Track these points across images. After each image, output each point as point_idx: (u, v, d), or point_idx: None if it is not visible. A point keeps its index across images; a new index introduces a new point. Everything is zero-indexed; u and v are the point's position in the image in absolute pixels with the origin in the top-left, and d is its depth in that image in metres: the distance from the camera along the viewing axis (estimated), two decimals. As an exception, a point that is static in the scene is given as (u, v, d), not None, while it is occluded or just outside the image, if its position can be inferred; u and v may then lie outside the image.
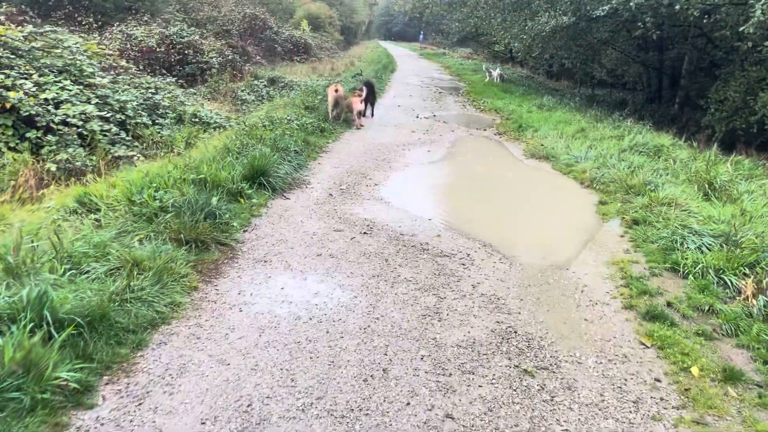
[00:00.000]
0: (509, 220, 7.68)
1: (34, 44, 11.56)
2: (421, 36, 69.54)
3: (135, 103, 12.00)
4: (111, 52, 19.13)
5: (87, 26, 23.00)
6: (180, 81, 20.03)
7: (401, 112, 16.46)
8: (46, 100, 9.71)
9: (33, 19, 22.89)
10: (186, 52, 20.96)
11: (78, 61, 11.67)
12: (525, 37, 20.45)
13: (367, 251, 6.12)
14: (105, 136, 10.27)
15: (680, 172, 9.38)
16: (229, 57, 22.23)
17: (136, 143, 11.33)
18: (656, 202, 7.59)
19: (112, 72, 13.82)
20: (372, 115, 15.62)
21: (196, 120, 13.38)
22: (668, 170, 9.54)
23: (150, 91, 13.46)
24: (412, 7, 24.13)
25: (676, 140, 12.24)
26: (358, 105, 14.18)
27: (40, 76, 10.40)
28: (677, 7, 14.17)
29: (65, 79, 11.15)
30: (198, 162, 7.72)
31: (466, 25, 25.56)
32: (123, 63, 14.92)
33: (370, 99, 15.37)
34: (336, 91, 14.00)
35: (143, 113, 12.21)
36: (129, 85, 13.44)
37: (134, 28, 21.82)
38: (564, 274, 5.81)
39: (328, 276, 5.45)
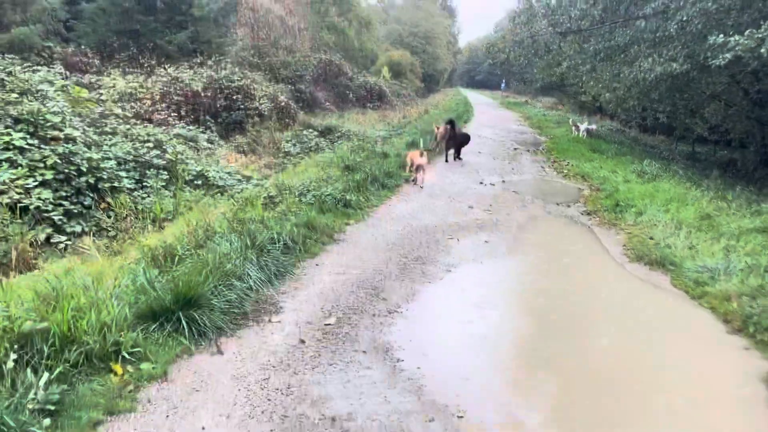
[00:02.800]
0: (616, 416, 3.99)
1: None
2: (503, 84, 66.03)
3: (113, 163, 9.12)
4: (146, 96, 16.87)
5: (149, 68, 21.20)
6: (220, 129, 17.50)
7: (463, 175, 12.95)
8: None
9: (90, 60, 21.35)
10: (235, 97, 18.45)
11: (45, 108, 8.96)
12: (618, 86, 16.55)
13: None
14: (41, 211, 7.37)
15: None
16: (282, 103, 19.55)
17: (107, 215, 8.44)
18: None
19: (106, 120, 11.13)
20: (456, 157, 14.89)
21: (199, 183, 10.41)
22: None
23: (147, 144, 10.64)
24: (487, 51, 20.64)
25: None
26: (418, 159, 11.80)
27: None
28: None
29: (21, 130, 8.43)
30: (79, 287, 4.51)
31: (550, 75, 21.87)
32: (117, 110, 12.19)
33: (452, 142, 14.48)
34: (421, 155, 11.97)
35: (128, 173, 9.34)
36: (125, 137, 10.69)
37: (183, 71, 19.61)
38: None
39: None
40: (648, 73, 15.22)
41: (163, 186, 9.85)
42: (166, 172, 10.10)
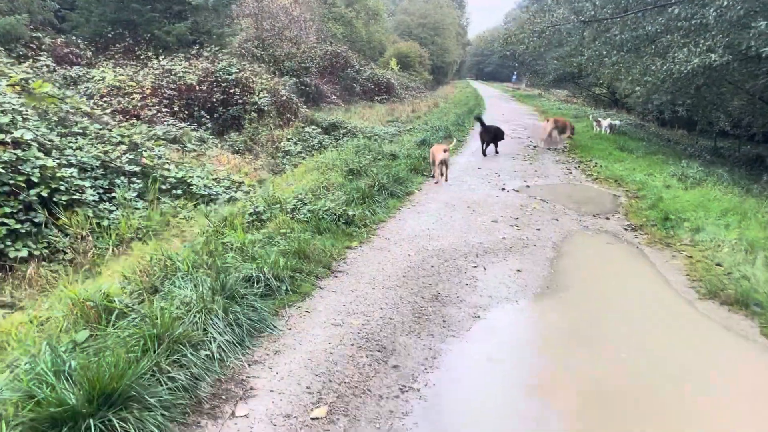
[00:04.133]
0: None
1: None
2: (514, 76, 64.06)
3: (74, 171, 7.61)
4: (136, 90, 15.36)
5: (145, 60, 19.71)
6: (216, 126, 15.98)
7: (481, 180, 11.36)
8: None
9: (82, 51, 19.82)
10: (232, 91, 16.89)
11: (-9, 107, 7.45)
12: (649, 79, 14.85)
13: None
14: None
15: None
16: (283, 98, 17.96)
17: (64, 234, 6.97)
18: None
19: (75, 119, 9.59)
20: (495, 151, 14.75)
21: (180, 192, 8.90)
22: None
23: (121, 147, 9.12)
24: (504, 43, 18.94)
25: None
26: (440, 154, 10.78)
27: None
28: None
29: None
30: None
31: (568, 65, 20.14)
32: (85, 108, 10.64)
33: (486, 136, 14.37)
34: (444, 151, 10.88)
35: (94, 182, 7.84)
36: (96, 138, 9.17)
37: (178, 63, 18.07)
38: None
39: None
40: (684, 65, 13.54)
41: (136, 196, 8.34)
42: (140, 180, 8.59)
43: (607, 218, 8.89)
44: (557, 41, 17.50)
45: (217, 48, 19.65)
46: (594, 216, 8.97)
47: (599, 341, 4.83)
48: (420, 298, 5.44)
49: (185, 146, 12.01)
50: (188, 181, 9.23)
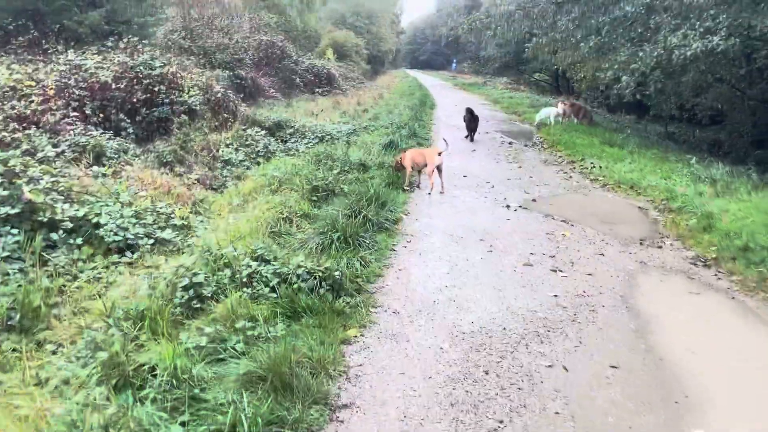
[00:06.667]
0: None
1: None
2: (454, 64, 62.03)
3: None
4: (35, 92, 12.12)
5: (53, 55, 16.17)
6: (140, 131, 12.92)
7: (473, 193, 8.95)
8: None
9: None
10: (157, 89, 13.76)
11: None
12: (637, 66, 12.80)
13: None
14: None
15: None
16: (218, 95, 14.95)
17: None
18: None
19: None
20: (471, 138, 14.40)
21: (81, 240, 6.06)
22: None
23: (-12, 180, 6.16)
24: (469, 29, 16.50)
25: None
26: (436, 158, 8.74)
27: None
28: None
29: None
30: None
31: (541, 50, 17.87)
32: None
33: (472, 124, 14.44)
34: (439, 154, 8.86)
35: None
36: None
37: (89, 57, 14.75)
38: None
39: None
40: (682, 50, 11.55)
41: (11, 253, 5.46)
42: (17, 229, 5.68)
43: (659, 246, 6.67)
44: (528, 26, 15.23)
45: (135, 39, 16.35)
46: (641, 244, 6.73)
47: None
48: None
49: (99, 162, 9.06)
50: (92, 220, 6.36)
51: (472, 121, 14.41)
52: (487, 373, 3.82)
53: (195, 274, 4.55)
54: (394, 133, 13.34)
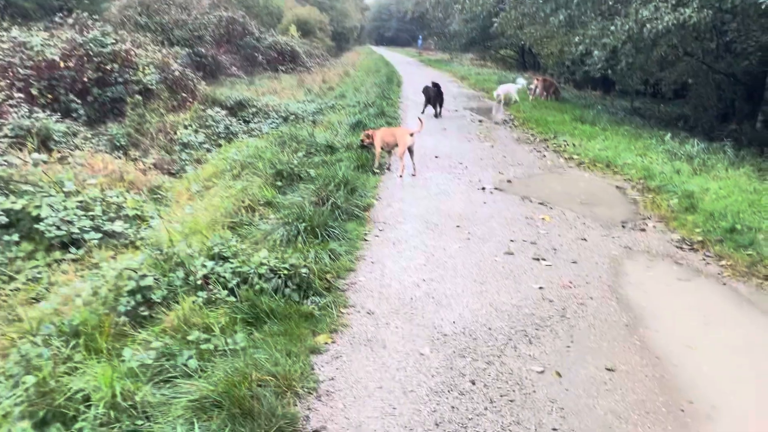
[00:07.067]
0: None
1: None
2: (420, 41, 61.13)
3: None
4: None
5: (-3, 32, 15.01)
6: (93, 112, 12.11)
7: (446, 174, 8.51)
8: None
9: None
10: (109, 67, 12.87)
11: None
12: (609, 41, 12.46)
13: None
14: None
15: None
16: (176, 72, 14.11)
17: None
18: None
19: None
20: (438, 114, 14.00)
21: (18, 236, 5.44)
22: None
23: None
24: (436, 2, 15.91)
25: None
26: (407, 138, 8.03)
27: None
28: None
29: None
30: None
31: (509, 24, 17.43)
32: None
33: (439, 99, 14.00)
34: (411, 135, 8.16)
35: None
36: None
37: (34, 34, 13.74)
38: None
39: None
40: (654, 23, 11.24)
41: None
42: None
43: (642, 229, 6.35)
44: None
45: (86, 15, 15.32)
46: (623, 227, 6.41)
47: None
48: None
49: (46, 147, 8.33)
50: (32, 213, 5.72)
51: (438, 95, 13.89)
52: (473, 383, 3.40)
53: (143, 277, 4.00)
54: (362, 112, 12.79)
